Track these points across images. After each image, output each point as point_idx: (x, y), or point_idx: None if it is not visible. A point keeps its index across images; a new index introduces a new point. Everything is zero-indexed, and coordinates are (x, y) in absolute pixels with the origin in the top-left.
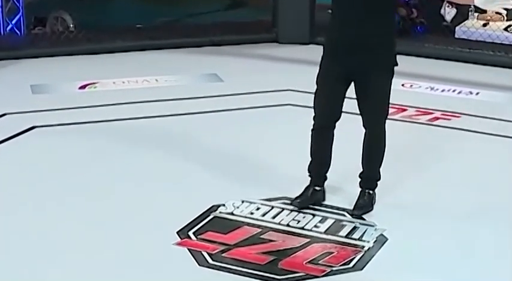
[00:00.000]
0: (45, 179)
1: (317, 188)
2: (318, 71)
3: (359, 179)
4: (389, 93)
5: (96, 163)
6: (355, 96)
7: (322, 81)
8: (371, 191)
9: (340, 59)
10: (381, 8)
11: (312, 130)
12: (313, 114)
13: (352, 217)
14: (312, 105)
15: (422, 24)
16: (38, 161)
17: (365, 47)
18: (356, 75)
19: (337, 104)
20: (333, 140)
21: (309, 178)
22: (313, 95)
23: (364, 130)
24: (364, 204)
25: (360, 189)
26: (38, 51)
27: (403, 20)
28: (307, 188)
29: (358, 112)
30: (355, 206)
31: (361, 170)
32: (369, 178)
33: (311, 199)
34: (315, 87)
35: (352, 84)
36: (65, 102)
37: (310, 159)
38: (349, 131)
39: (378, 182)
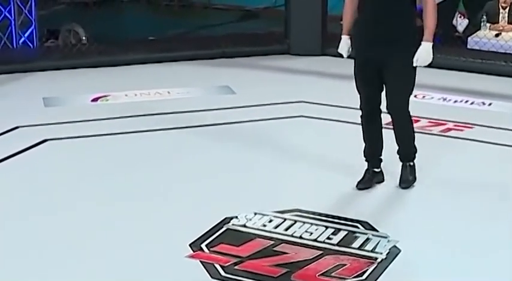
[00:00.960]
0: (57, 192)
1: (376, 169)
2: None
3: (399, 156)
4: (414, 75)
5: (108, 176)
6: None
7: (357, 71)
8: (411, 163)
9: (367, 53)
10: (401, 3)
11: (361, 117)
12: (359, 104)
13: (401, 188)
14: (327, 118)
15: (437, 35)
16: (50, 174)
17: (390, 37)
18: (383, 66)
19: (376, 89)
20: (381, 123)
21: (365, 163)
22: (325, 106)
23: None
24: (408, 177)
25: (401, 163)
26: (50, 63)
27: (418, 30)
28: (366, 171)
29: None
30: (400, 180)
31: (398, 147)
32: (407, 152)
33: (372, 180)
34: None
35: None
36: (77, 115)
37: (364, 145)
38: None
39: (416, 154)
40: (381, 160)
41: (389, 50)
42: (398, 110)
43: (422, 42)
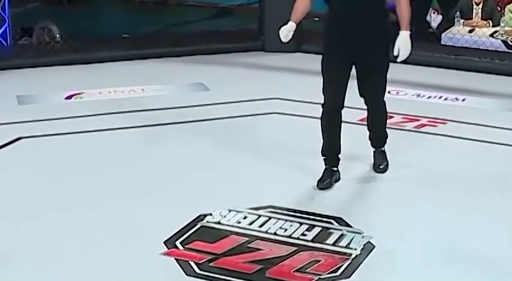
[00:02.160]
0: (30, 190)
1: (334, 168)
2: (321, 63)
3: (370, 143)
4: (388, 69)
5: (82, 174)
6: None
7: (328, 70)
8: (383, 148)
9: (343, 46)
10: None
11: (322, 117)
12: (323, 102)
13: (377, 173)
14: (301, 115)
15: (411, 31)
16: (24, 172)
17: (365, 32)
18: (358, 60)
19: (344, 88)
20: (341, 122)
21: (324, 160)
22: (298, 103)
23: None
24: (383, 161)
25: (373, 150)
26: (24, 61)
27: (391, 26)
28: (326, 170)
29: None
30: (375, 165)
31: (371, 136)
32: (381, 138)
33: (332, 179)
34: (322, 78)
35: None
36: (51, 112)
37: (323, 143)
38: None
39: (387, 140)
40: (339, 159)
41: (365, 45)
42: (378, 100)
43: (400, 32)
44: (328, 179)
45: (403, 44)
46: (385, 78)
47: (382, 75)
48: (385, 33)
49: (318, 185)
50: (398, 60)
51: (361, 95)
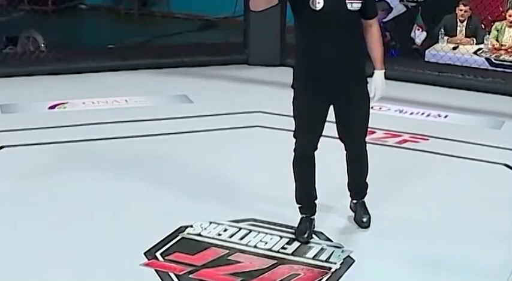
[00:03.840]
0: (12, 199)
1: (312, 217)
2: (293, 102)
3: (350, 193)
4: (369, 111)
5: (64, 184)
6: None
7: (303, 113)
8: (364, 200)
9: (319, 86)
10: (351, 30)
11: (294, 163)
12: (295, 147)
13: (363, 228)
14: (284, 128)
15: (395, 47)
16: (7, 181)
17: (342, 69)
18: (336, 100)
19: (320, 132)
20: (315, 165)
21: (299, 208)
22: (282, 117)
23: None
24: (366, 214)
25: (354, 202)
26: (8, 70)
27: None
28: (302, 220)
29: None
30: (357, 219)
31: (351, 185)
32: (362, 189)
33: (311, 229)
34: (294, 121)
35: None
36: (34, 122)
37: (296, 190)
38: None
39: (367, 190)
40: (316, 205)
41: (344, 83)
42: (360, 145)
43: (376, 71)
44: (307, 229)
45: (379, 84)
46: (368, 118)
47: (365, 115)
48: (363, 67)
49: (296, 237)
50: (374, 101)
51: (340, 139)
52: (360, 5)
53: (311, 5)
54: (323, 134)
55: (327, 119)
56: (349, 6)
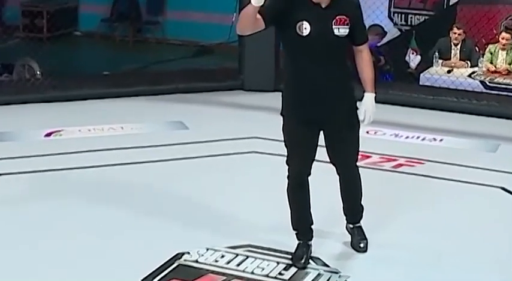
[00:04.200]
0: (8, 226)
1: (309, 242)
2: (283, 129)
3: (346, 217)
4: (359, 135)
5: (60, 212)
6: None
7: (294, 140)
8: (361, 224)
9: (308, 112)
10: (339, 55)
11: (289, 189)
12: (288, 174)
13: (358, 252)
14: (280, 154)
15: (389, 71)
16: (2, 209)
17: (331, 94)
18: (326, 126)
19: (312, 157)
20: (309, 190)
21: (296, 234)
22: (277, 142)
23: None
24: (363, 238)
25: (351, 226)
26: (3, 98)
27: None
28: (300, 245)
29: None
30: (354, 243)
31: (346, 209)
32: (358, 212)
33: (308, 254)
34: (285, 147)
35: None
36: (30, 150)
37: (292, 216)
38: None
39: (363, 213)
40: (312, 230)
41: (333, 108)
42: (352, 168)
43: (366, 94)
44: (304, 255)
45: (369, 107)
46: (358, 141)
47: (355, 139)
48: (352, 92)
49: (293, 263)
50: (364, 124)
51: (332, 163)
52: (347, 30)
53: (298, 31)
54: (316, 159)
55: (319, 143)
56: (336, 32)
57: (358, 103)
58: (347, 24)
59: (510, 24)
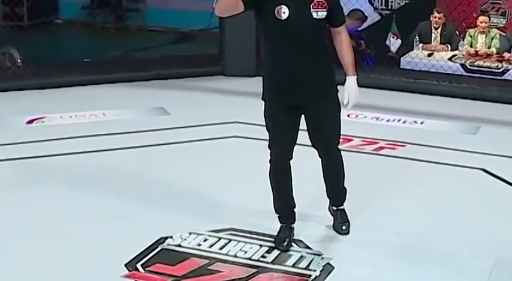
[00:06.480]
0: None
1: (292, 226)
2: (264, 114)
3: (329, 200)
4: (340, 117)
5: (42, 198)
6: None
7: (275, 124)
8: (343, 206)
9: (288, 95)
10: (317, 38)
11: (271, 173)
12: (270, 158)
13: (343, 234)
14: (261, 138)
15: (370, 55)
16: None
17: (311, 78)
18: (307, 109)
19: (294, 141)
20: (291, 174)
21: (278, 218)
22: (259, 127)
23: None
24: (346, 220)
25: (334, 209)
26: None
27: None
28: (282, 228)
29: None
30: (336, 225)
31: (329, 192)
32: (341, 195)
33: (290, 237)
34: (267, 133)
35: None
36: (12, 137)
37: (274, 200)
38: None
39: (346, 195)
40: (295, 213)
41: (313, 92)
42: (334, 151)
43: (348, 77)
44: (286, 238)
45: (352, 91)
46: (339, 124)
47: (337, 121)
48: (333, 75)
49: (276, 246)
50: (348, 108)
51: (314, 146)
52: (325, 13)
53: (276, 15)
54: (298, 142)
55: (300, 127)
56: (314, 15)
57: (339, 87)
58: (325, 7)
59: (485, 8)
